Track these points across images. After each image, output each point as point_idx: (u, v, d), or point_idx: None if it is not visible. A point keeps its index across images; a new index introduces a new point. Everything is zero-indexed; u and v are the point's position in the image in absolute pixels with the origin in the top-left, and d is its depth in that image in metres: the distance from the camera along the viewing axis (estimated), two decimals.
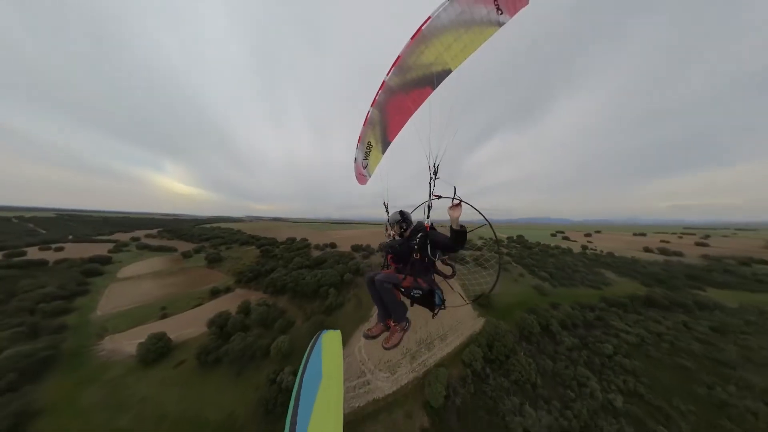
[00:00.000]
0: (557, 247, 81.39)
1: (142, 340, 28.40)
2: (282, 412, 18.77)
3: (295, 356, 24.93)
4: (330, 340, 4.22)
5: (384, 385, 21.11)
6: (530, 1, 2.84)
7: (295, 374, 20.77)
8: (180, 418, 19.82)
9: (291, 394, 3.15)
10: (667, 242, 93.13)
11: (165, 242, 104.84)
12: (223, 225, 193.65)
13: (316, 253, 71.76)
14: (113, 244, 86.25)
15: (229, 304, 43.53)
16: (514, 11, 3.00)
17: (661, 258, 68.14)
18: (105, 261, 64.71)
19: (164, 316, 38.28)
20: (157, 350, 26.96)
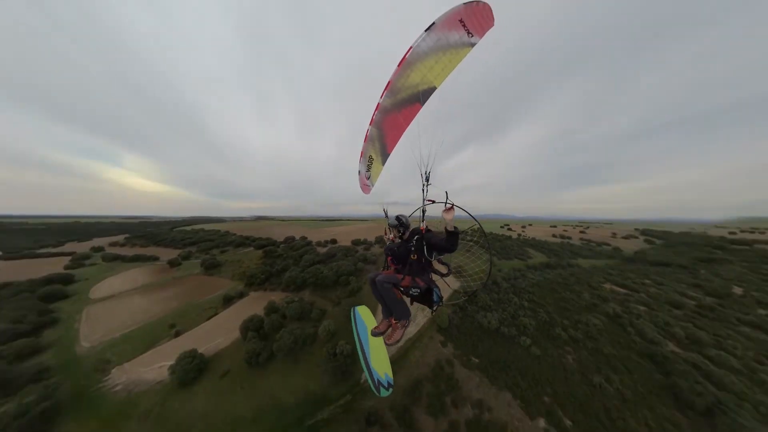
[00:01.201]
0: (503, 235, 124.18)
1: (169, 362, 27.04)
2: (352, 371, 24.80)
3: (339, 334, 30.91)
4: (362, 309, 6.52)
5: (411, 329, 32.37)
6: (497, 24, 3.44)
7: (348, 345, 27.00)
8: (258, 412, 21.20)
9: (355, 348, 6.65)
10: (566, 231, 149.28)
11: (140, 250, 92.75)
12: (206, 227, 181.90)
13: (320, 250, 78.38)
14: (69, 258, 71.81)
15: (250, 308, 41.65)
16: (482, 33, 3.72)
17: (559, 240, 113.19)
18: (66, 280, 53.51)
19: (178, 334, 35.84)
20: (194, 368, 26.12)
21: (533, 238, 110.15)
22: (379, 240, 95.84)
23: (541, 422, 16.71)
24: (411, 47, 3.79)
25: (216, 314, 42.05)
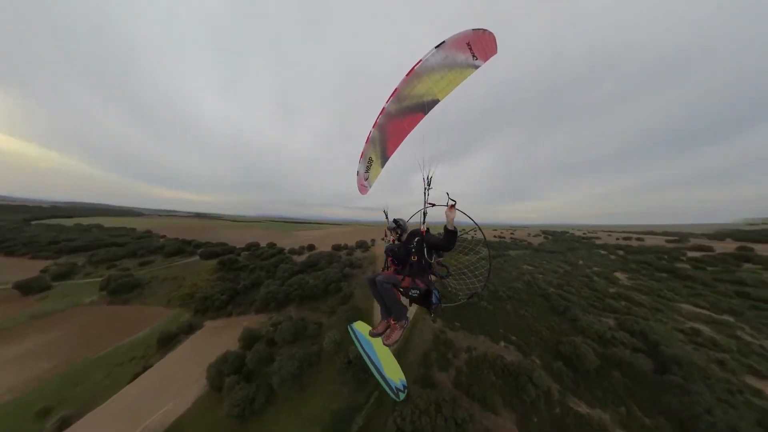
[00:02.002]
0: (464, 238, 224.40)
1: None
2: (371, 376, 25.86)
3: (347, 341, 33.63)
4: (359, 325, 8.04)
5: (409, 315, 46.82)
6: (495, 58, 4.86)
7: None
8: None
9: (365, 363, 6.88)
10: (502, 233, 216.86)
11: None
12: (107, 221, 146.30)
13: (296, 258, 79.69)
14: None
15: (212, 345, 35.24)
16: (486, 58, 4.81)
17: (498, 239, 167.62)
18: None
19: (65, 424, 24.68)
20: None
21: (482, 239, 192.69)
22: (361, 245, 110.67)
23: (501, 344, 34.90)
24: (420, 60, 4.82)
25: (148, 367, 32.81)
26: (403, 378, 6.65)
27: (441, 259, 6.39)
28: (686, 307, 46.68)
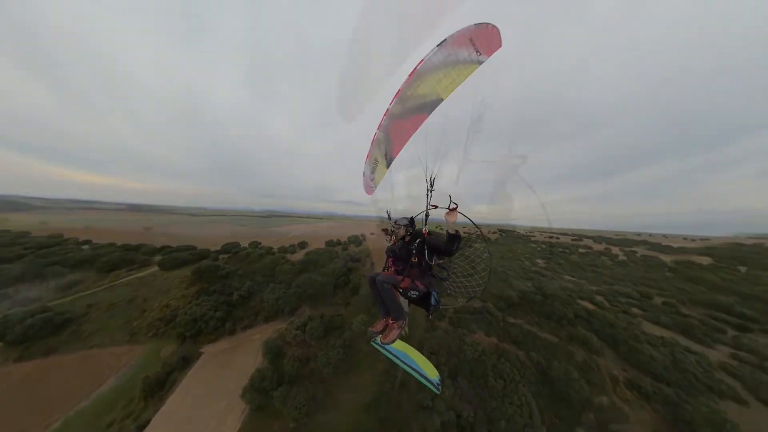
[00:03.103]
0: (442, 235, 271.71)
1: None
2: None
3: (373, 321, 50.95)
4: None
5: (405, 303, 60.00)
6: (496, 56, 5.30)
7: None
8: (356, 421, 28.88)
9: (399, 365, 8.25)
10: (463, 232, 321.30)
11: None
12: None
13: (291, 257, 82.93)
14: None
15: (226, 368, 34.67)
16: (490, 52, 5.00)
17: (467, 235, 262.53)
18: None
19: None
20: None
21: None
22: (353, 240, 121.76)
23: (475, 303, 48.41)
24: (422, 60, 5.18)
25: (145, 425, 28.59)
26: (438, 374, 8.47)
27: (441, 261, 6.82)
28: (566, 276, 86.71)
